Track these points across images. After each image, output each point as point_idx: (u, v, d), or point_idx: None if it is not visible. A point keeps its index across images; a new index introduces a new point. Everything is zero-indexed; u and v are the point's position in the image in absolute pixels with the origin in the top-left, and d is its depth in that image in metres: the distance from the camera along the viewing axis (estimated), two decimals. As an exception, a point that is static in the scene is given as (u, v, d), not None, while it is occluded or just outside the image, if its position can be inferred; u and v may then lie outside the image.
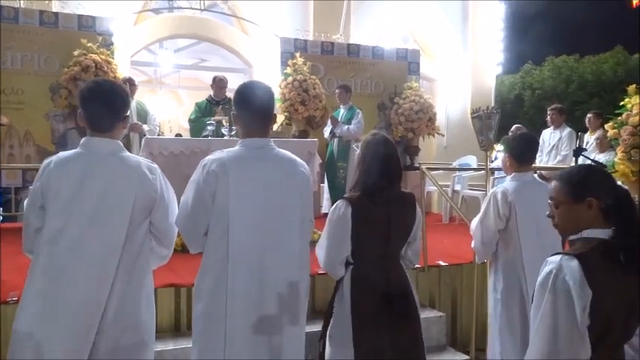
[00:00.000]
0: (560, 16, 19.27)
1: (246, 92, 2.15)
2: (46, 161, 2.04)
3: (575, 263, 1.52)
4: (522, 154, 2.92)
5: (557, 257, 1.57)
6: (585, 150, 4.34)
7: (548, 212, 1.73)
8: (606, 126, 3.96)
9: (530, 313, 1.63)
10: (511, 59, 12.72)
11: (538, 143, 3.21)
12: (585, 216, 1.61)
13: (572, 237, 1.66)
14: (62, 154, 2.05)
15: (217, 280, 2.05)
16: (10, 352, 1.95)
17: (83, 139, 2.07)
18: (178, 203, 2.17)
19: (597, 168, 1.75)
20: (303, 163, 2.24)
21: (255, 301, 2.04)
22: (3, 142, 5.82)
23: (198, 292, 2.12)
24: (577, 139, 3.96)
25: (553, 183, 1.72)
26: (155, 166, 2.12)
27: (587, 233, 1.61)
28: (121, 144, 2.10)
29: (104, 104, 2.04)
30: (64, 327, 1.90)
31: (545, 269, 1.58)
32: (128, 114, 2.14)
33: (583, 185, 1.63)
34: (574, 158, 3.89)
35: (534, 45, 16.97)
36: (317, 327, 2.84)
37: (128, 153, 2.11)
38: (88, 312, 1.93)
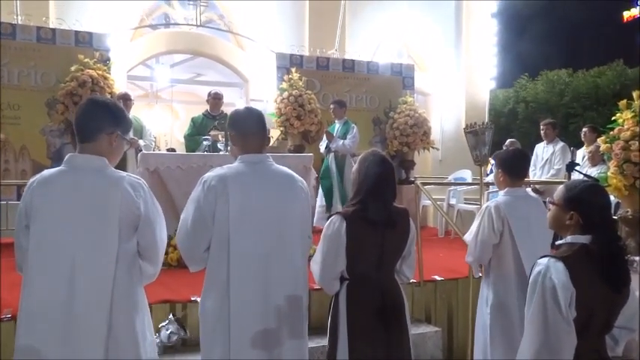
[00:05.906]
0: (554, 30, 19.51)
1: (238, 119, 2.28)
2: (30, 180, 1.99)
3: (560, 265, 1.77)
4: (516, 169, 2.96)
5: (546, 259, 1.82)
6: (578, 164, 4.36)
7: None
8: (599, 140, 3.98)
9: (525, 309, 1.86)
10: (505, 73, 12.83)
11: (530, 158, 3.26)
12: (567, 224, 1.87)
13: (558, 242, 1.93)
14: (45, 172, 2.00)
15: (221, 295, 2.06)
16: None
17: (67, 156, 2.01)
18: (171, 219, 2.17)
19: (599, 188, 1.94)
20: (301, 178, 2.28)
21: (260, 316, 2.06)
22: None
23: (203, 308, 2.13)
24: (570, 153, 3.97)
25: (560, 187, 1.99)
26: (140, 182, 2.03)
27: (571, 239, 1.86)
28: (106, 160, 2.02)
29: (90, 111, 2.02)
30: (75, 350, 1.86)
31: (535, 269, 1.83)
32: (118, 132, 2.05)
33: (574, 200, 1.87)
34: (567, 173, 3.91)
35: (528, 59, 17.15)
36: (312, 343, 2.83)
37: (112, 169, 2.04)
38: (91, 338, 1.88)
